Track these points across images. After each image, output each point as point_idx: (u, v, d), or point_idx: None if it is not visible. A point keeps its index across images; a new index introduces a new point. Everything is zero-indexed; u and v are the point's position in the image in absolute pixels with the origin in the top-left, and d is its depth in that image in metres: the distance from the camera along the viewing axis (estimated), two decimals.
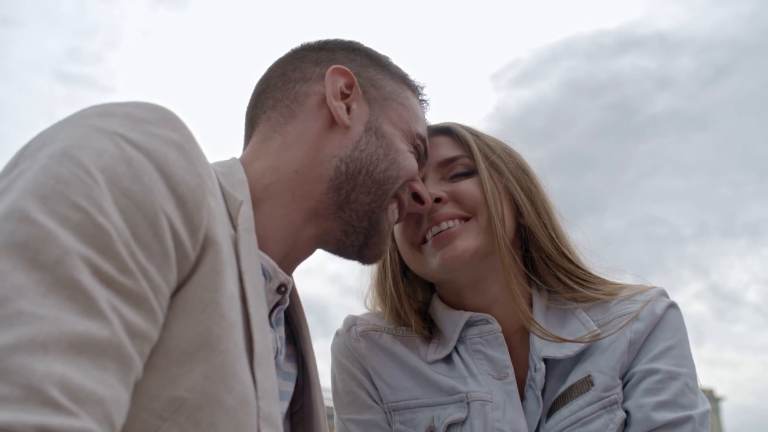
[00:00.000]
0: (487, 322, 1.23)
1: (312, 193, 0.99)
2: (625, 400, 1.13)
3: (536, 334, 1.20)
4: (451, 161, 1.27)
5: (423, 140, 1.16)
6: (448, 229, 1.21)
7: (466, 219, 1.22)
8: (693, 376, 1.15)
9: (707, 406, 1.12)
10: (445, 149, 1.28)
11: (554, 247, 1.24)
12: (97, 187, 0.59)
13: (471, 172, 1.25)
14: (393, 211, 1.10)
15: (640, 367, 1.14)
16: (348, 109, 1.04)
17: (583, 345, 1.17)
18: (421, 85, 1.21)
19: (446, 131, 1.31)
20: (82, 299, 0.53)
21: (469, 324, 1.25)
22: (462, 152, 1.27)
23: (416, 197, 1.17)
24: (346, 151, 1.01)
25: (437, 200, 1.21)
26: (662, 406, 1.09)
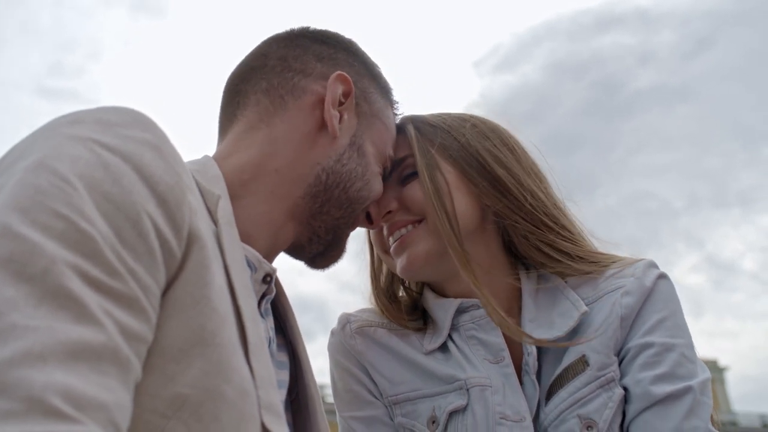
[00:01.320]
0: (478, 307, 1.22)
1: (290, 194, 0.99)
2: (622, 376, 1.12)
3: (525, 342, 1.17)
4: (399, 163, 1.24)
5: (391, 161, 1.18)
6: (401, 237, 1.21)
7: (419, 221, 1.21)
8: (689, 345, 1.14)
9: (707, 374, 1.11)
10: (398, 150, 1.25)
11: (530, 219, 1.20)
12: (76, 193, 0.58)
13: (417, 172, 1.22)
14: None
15: (635, 341, 1.13)
16: (339, 119, 1.03)
17: (573, 325, 1.15)
18: (397, 101, 1.21)
19: (399, 129, 1.27)
20: (74, 306, 0.52)
21: (460, 311, 1.24)
22: (408, 152, 1.24)
23: (367, 216, 1.16)
24: (330, 161, 1.01)
25: (388, 213, 1.21)
26: (660, 379, 1.08)
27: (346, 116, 1.04)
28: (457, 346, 1.23)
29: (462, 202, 1.19)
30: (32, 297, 0.51)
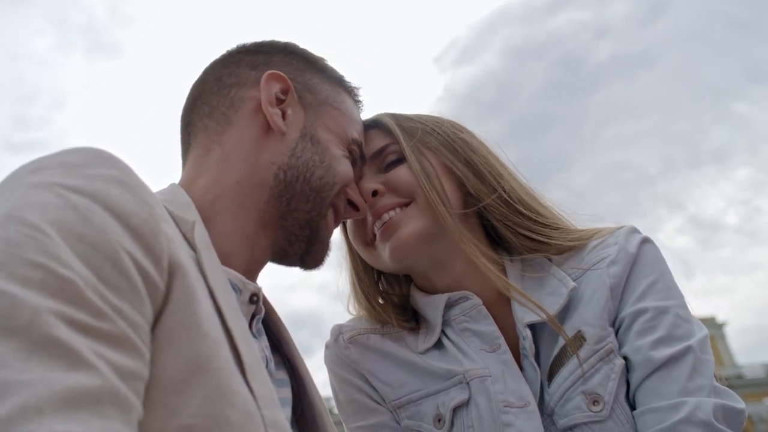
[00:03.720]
0: (467, 298, 1.22)
1: (256, 201, 0.98)
2: (621, 346, 1.11)
3: (515, 299, 1.18)
4: (381, 152, 1.26)
5: (358, 144, 1.16)
6: (389, 220, 1.20)
7: (407, 205, 1.21)
8: (682, 305, 1.13)
9: (704, 331, 1.10)
10: (375, 141, 1.27)
11: (507, 206, 1.21)
12: (50, 240, 0.57)
13: (402, 159, 1.24)
14: (331, 217, 1.09)
15: (628, 309, 1.12)
16: (283, 115, 1.03)
17: (563, 302, 1.15)
18: (357, 86, 1.20)
19: (374, 124, 1.30)
20: (64, 354, 0.51)
21: (449, 305, 1.23)
22: (389, 140, 1.26)
23: (351, 204, 1.15)
24: (283, 158, 1.01)
25: (374, 193, 1.20)
26: (659, 343, 1.07)
27: (289, 111, 1.04)
28: (451, 340, 1.22)
29: (448, 186, 1.21)
30: (20, 351, 0.49)
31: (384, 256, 1.22)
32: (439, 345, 1.24)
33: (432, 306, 1.25)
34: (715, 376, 1.07)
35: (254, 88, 1.04)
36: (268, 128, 1.02)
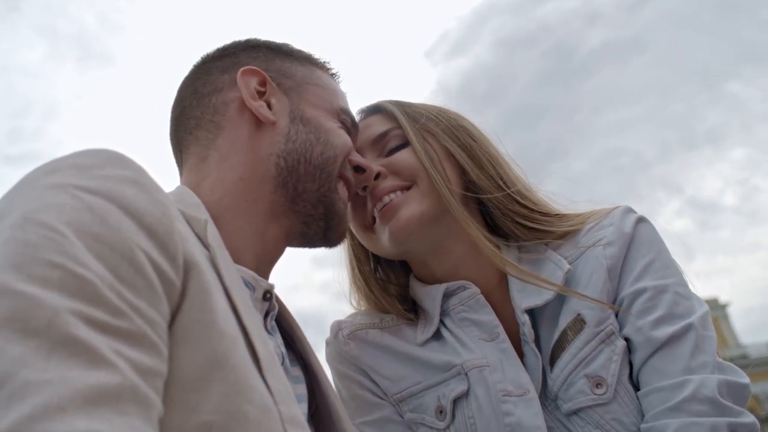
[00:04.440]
0: (465, 288, 1.22)
1: (262, 195, 1.00)
2: (621, 327, 1.11)
3: (513, 275, 1.18)
4: (383, 136, 1.26)
5: (347, 113, 1.16)
6: (390, 202, 1.20)
7: (408, 188, 1.21)
8: (681, 282, 1.12)
9: (704, 307, 1.10)
10: (377, 126, 1.28)
11: (505, 194, 1.21)
12: (67, 241, 0.58)
13: (405, 143, 1.24)
14: (342, 189, 1.10)
15: (627, 290, 1.11)
16: (269, 105, 1.04)
17: (560, 285, 1.14)
18: (326, 60, 1.20)
19: (376, 110, 1.32)
20: (84, 353, 0.52)
21: (448, 295, 1.23)
22: (392, 125, 1.27)
23: (357, 169, 1.16)
24: (280, 146, 1.02)
25: (377, 176, 1.20)
26: (660, 322, 1.06)
27: (273, 100, 1.05)
28: (450, 331, 1.22)
29: (449, 172, 1.21)
30: (41, 351, 0.50)
31: (383, 239, 1.22)
32: (438, 336, 1.24)
33: (430, 296, 1.25)
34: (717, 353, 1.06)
35: (233, 90, 1.05)
36: (258, 122, 1.03)
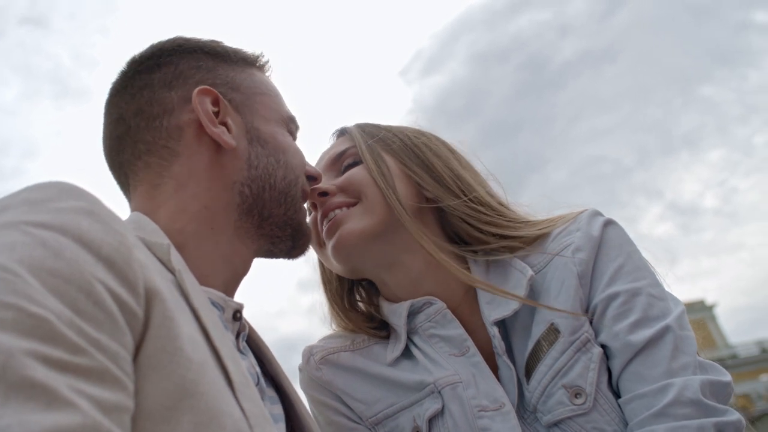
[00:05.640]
0: (431, 303, 1.19)
1: (228, 221, 0.97)
2: (597, 334, 1.08)
3: (479, 287, 1.16)
4: (340, 156, 1.26)
5: (294, 120, 1.12)
6: (334, 217, 1.20)
7: (354, 204, 1.20)
8: (654, 283, 1.10)
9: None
10: (336, 147, 1.29)
11: (463, 202, 1.20)
12: (19, 279, 0.56)
13: (359, 161, 1.24)
14: (305, 206, 1.09)
15: (599, 296, 1.09)
16: (226, 127, 0.99)
17: (524, 293, 1.12)
18: (257, 54, 1.13)
19: (340, 133, 1.34)
20: (41, 394, 0.49)
21: (414, 312, 1.21)
22: (350, 144, 1.27)
23: (309, 178, 1.12)
24: (243, 173, 0.98)
25: (324, 194, 1.20)
26: (636, 326, 1.04)
27: (229, 120, 1.00)
28: (420, 349, 1.20)
29: (402, 188, 1.20)
30: None
31: (329, 250, 1.21)
32: (409, 355, 1.23)
33: (396, 314, 1.23)
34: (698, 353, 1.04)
35: (184, 110, 0.99)
36: (217, 147, 0.98)
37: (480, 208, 1.21)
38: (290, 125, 1.10)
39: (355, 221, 1.18)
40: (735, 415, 0.97)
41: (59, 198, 0.67)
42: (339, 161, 1.27)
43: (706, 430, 0.94)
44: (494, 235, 1.20)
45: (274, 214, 1.01)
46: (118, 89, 1.03)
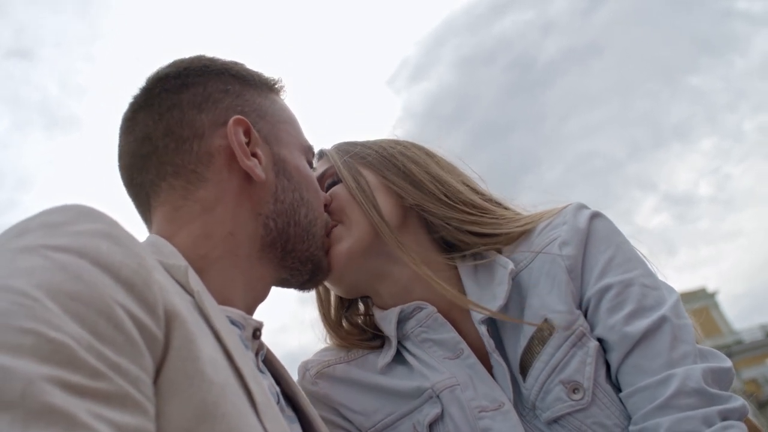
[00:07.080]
0: (421, 308, 1.19)
1: (252, 251, 0.97)
2: (593, 328, 1.07)
3: (456, 301, 1.16)
4: (321, 177, 1.26)
5: (311, 149, 1.13)
6: None
7: (335, 226, 1.19)
8: (646, 273, 1.09)
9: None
10: (318, 170, 1.28)
11: (450, 208, 1.19)
12: (38, 304, 0.55)
13: (338, 180, 1.23)
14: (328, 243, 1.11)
15: (592, 289, 1.08)
16: (257, 158, 0.98)
17: (507, 288, 1.12)
18: (277, 79, 1.12)
19: (320, 155, 1.33)
20: (62, 420, 0.48)
21: (405, 318, 1.20)
22: (328, 165, 1.27)
23: None
24: (269, 206, 0.99)
25: None
26: (632, 317, 1.03)
27: (259, 151, 0.99)
28: (413, 355, 1.19)
29: (383, 201, 1.20)
30: (16, 424, 0.47)
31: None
32: (403, 362, 1.22)
33: (386, 321, 1.22)
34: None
35: (214, 135, 0.97)
36: (246, 177, 0.98)
37: (463, 207, 1.20)
38: (308, 154, 1.11)
39: (342, 243, 1.17)
40: (739, 401, 0.96)
41: (77, 221, 0.67)
42: (321, 182, 1.26)
43: (711, 418, 0.94)
44: (478, 235, 1.19)
45: (297, 249, 1.02)
46: (141, 105, 1.00)
